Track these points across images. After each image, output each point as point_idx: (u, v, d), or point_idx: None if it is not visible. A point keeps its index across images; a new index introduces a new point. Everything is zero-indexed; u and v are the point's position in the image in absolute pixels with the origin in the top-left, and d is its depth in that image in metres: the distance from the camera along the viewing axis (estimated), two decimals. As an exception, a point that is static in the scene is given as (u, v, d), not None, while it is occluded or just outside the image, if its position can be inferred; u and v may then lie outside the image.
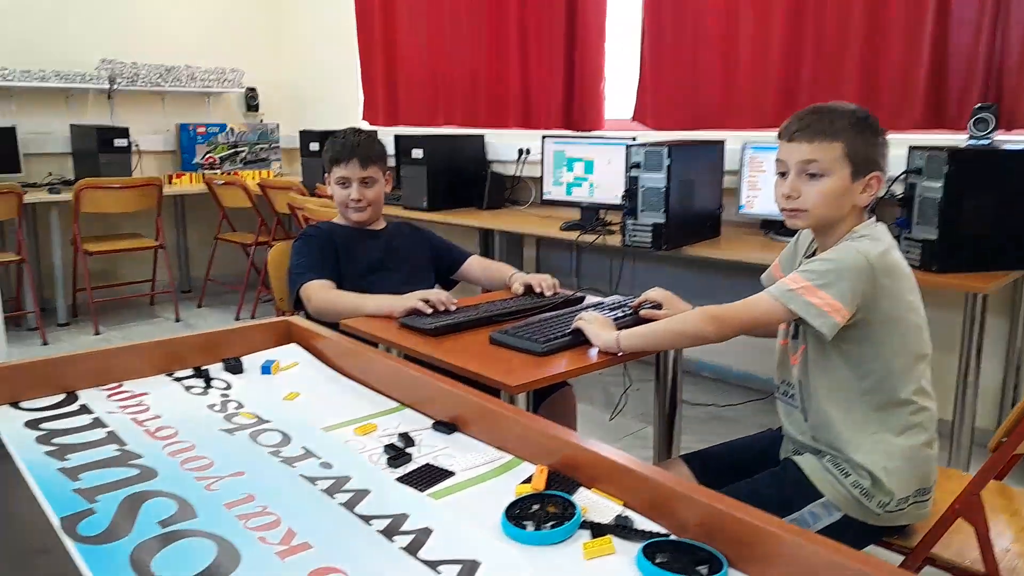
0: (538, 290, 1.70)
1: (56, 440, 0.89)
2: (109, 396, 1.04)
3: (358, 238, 1.82)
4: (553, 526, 0.69)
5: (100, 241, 3.92)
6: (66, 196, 3.67)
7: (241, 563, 0.64)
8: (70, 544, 0.67)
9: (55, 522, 0.71)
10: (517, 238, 3.52)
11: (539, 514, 0.71)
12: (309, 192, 3.67)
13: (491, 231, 3.42)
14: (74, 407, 1.00)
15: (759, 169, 2.61)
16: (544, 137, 3.11)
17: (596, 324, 1.38)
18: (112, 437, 0.90)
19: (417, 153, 3.37)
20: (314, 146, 3.93)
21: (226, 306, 4.35)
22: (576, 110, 3.43)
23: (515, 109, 3.65)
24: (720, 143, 2.66)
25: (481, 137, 3.69)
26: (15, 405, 1.00)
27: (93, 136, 3.93)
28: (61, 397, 1.03)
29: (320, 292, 1.65)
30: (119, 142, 3.96)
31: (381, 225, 1.90)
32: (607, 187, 2.85)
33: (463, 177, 3.52)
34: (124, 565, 0.64)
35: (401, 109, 4.28)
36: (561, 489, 0.76)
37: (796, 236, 1.39)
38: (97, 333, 3.74)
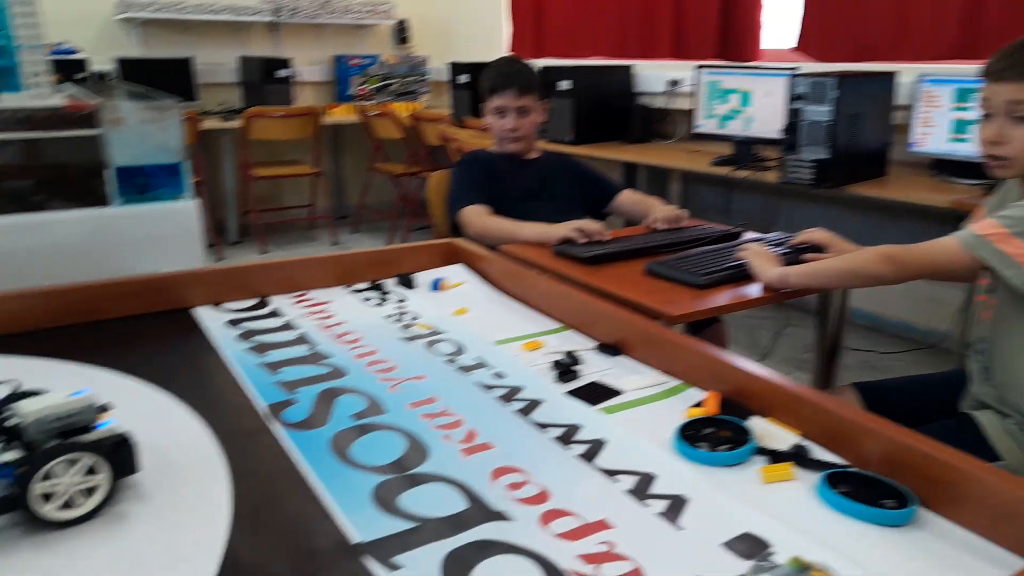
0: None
1: (255, 338, 0.98)
2: (296, 303, 1.12)
3: (513, 167, 1.85)
4: (728, 449, 0.69)
5: (265, 167, 4.18)
6: (236, 123, 3.92)
7: (430, 457, 0.69)
8: (278, 428, 0.74)
9: (262, 409, 0.79)
10: (663, 173, 3.44)
11: (712, 437, 0.72)
12: (458, 124, 3.73)
13: (636, 165, 3.36)
14: (266, 311, 1.09)
15: (933, 104, 2.41)
16: (699, 67, 2.99)
17: (762, 258, 1.34)
18: (303, 339, 0.98)
19: (564, 85, 3.34)
20: (463, 78, 3.97)
21: (378, 232, 4.55)
22: (731, 40, 3.27)
23: (665, 39, 3.53)
24: (891, 75, 2.47)
25: (629, 68, 3.60)
26: (216, 305, 1.10)
27: (259, 67, 4.16)
28: (255, 301, 1.12)
29: (477, 217, 1.70)
30: (282, 73, 4.17)
31: (535, 155, 1.91)
32: (764, 120, 2.73)
33: (610, 110, 3.46)
34: (326, 450, 0.70)
35: (548, 40, 4.23)
36: (734, 415, 0.76)
37: (1000, 184, 1.27)
38: (264, 252, 4.02)
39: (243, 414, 0.78)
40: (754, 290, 1.34)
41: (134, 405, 0.78)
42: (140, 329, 1.01)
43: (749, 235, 1.63)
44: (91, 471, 0.58)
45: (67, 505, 0.58)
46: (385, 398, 0.81)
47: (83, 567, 0.54)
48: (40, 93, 1.19)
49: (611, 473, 0.67)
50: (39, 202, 1.10)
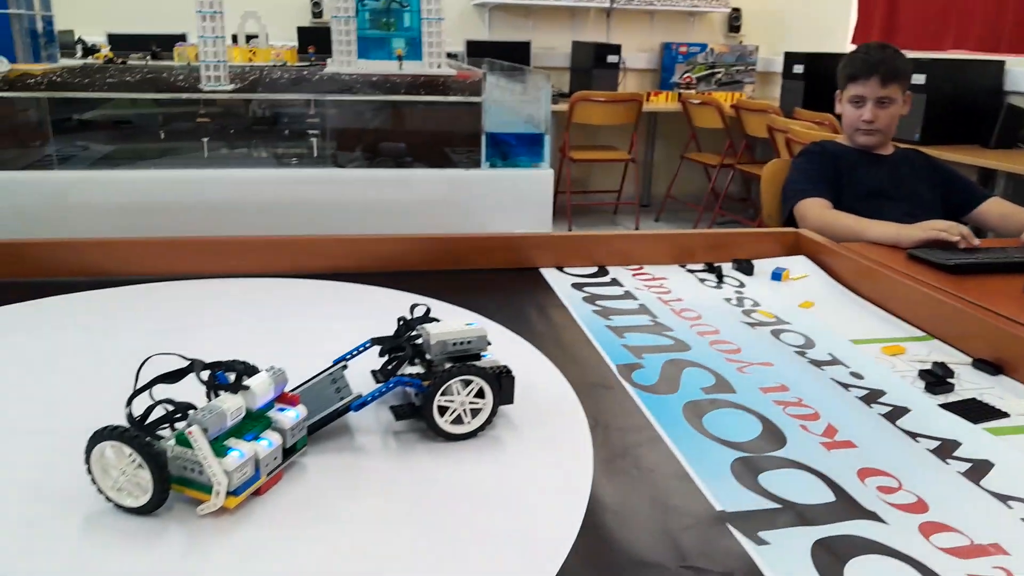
0: None
1: (599, 303, 1.02)
2: (634, 275, 1.14)
3: (861, 162, 1.71)
4: None
5: (583, 150, 4.34)
6: (562, 106, 4.11)
7: (787, 444, 0.66)
8: (628, 387, 0.77)
9: (612, 367, 0.81)
10: (1029, 185, 2.98)
11: None
12: (787, 115, 3.56)
13: (995, 173, 2.94)
14: (606, 279, 1.12)
15: None
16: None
17: None
18: (644, 309, 1.00)
19: (918, 79, 3.02)
20: (797, 68, 3.77)
21: (681, 223, 4.52)
22: None
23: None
24: None
25: (1000, 64, 3.16)
26: (560, 269, 1.16)
27: (590, 52, 4.31)
28: (594, 269, 1.17)
29: (817, 210, 1.60)
30: (611, 58, 4.28)
31: (889, 150, 1.75)
32: None
33: (968, 109, 3.08)
34: (677, 415, 0.71)
35: (901, 30, 3.85)
36: None
37: None
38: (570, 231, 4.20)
39: (595, 369, 0.81)
40: None
41: (497, 346, 0.85)
42: (497, 281, 1.10)
43: None
44: (479, 394, 0.65)
45: (457, 421, 0.65)
46: (733, 378, 0.79)
47: (470, 479, 0.60)
48: (434, 63, 1.36)
49: (1003, 498, 0.59)
50: (423, 159, 1.25)
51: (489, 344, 0.70)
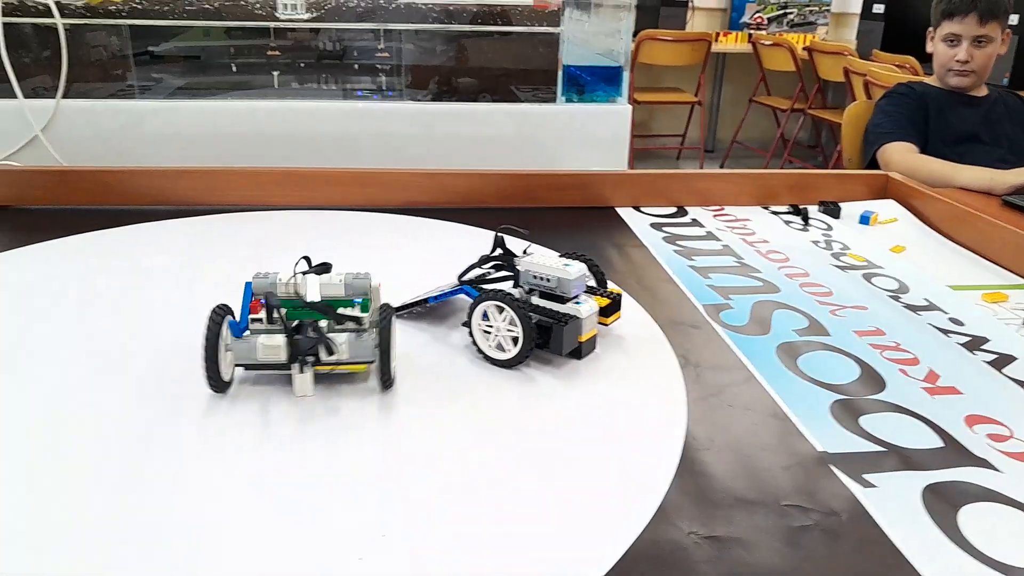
0: None
1: (680, 243, 0.99)
2: (714, 216, 1.11)
3: (952, 104, 1.63)
4: None
5: (647, 92, 4.23)
6: (627, 46, 4.00)
7: (887, 388, 0.64)
8: (717, 327, 0.75)
9: (699, 307, 0.80)
10: None
11: None
12: (864, 58, 3.40)
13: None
14: (686, 219, 1.10)
15: None
16: None
17: None
18: (728, 250, 0.97)
19: (1014, 17, 2.84)
20: (877, 7, 3.58)
21: (748, 170, 4.40)
22: None
23: None
24: None
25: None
26: (637, 209, 1.13)
27: (658, -11, 4.16)
28: (673, 210, 1.14)
29: (903, 154, 1.53)
30: (679, -4, 4.13)
31: (983, 92, 1.66)
32: None
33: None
34: (770, 355, 0.69)
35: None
36: None
37: None
38: (631, 176, 4.12)
39: (681, 308, 0.79)
40: None
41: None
42: (573, 219, 1.08)
43: None
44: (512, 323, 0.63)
45: (499, 348, 0.65)
46: (826, 321, 0.77)
47: (562, 414, 0.59)
48: (512, -7, 1.32)
49: (1124, 453, 0.56)
50: (497, 93, 1.23)
51: (593, 292, 0.69)
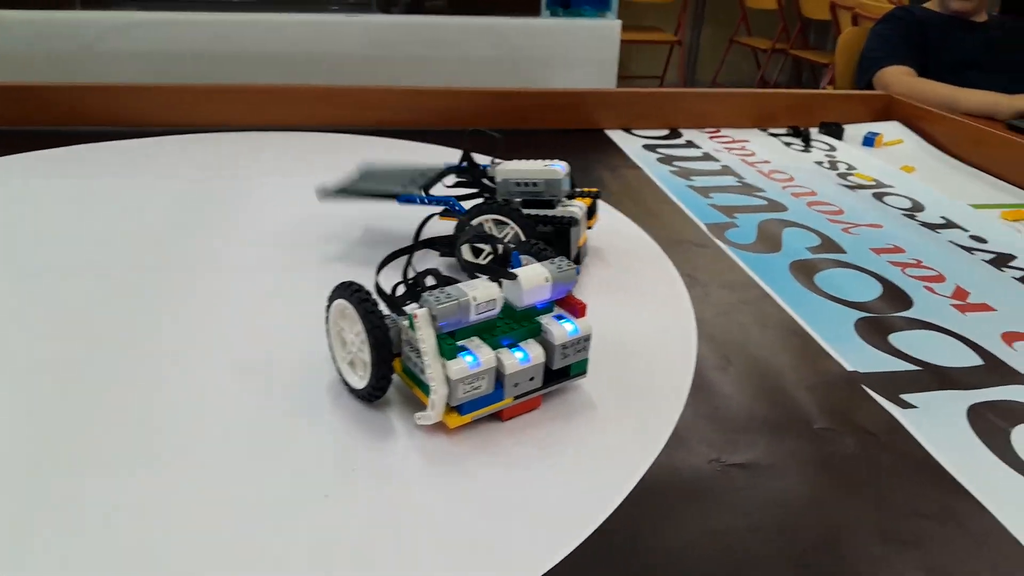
0: None
1: (676, 163, 0.92)
2: (710, 137, 1.04)
3: (951, 28, 1.55)
4: None
5: (625, 31, 4.10)
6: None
7: (915, 305, 0.58)
8: (723, 245, 0.68)
9: (701, 226, 0.73)
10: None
11: None
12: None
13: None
14: (680, 141, 1.02)
15: None
16: None
17: None
18: (728, 170, 0.90)
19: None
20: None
21: (744, 89, 4.31)
22: None
23: None
24: None
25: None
26: (627, 131, 1.06)
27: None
28: (666, 132, 1.06)
29: (900, 78, 1.46)
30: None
31: (983, 17, 1.58)
32: None
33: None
34: (784, 274, 0.63)
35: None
36: None
37: None
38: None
39: (682, 227, 0.73)
40: None
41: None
42: (561, 140, 1.00)
43: None
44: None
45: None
46: (840, 239, 0.71)
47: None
48: None
49: None
50: (475, 6, 1.13)
51: (574, 195, 0.62)
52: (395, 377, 0.42)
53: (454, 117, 1.02)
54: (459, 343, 0.39)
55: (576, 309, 0.43)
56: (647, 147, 0.99)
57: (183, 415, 0.42)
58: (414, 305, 0.41)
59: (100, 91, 0.95)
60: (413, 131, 0.99)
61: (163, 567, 0.32)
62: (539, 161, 0.59)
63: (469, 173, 0.61)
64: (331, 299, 0.43)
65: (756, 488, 0.38)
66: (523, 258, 0.45)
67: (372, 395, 0.42)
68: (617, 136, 1.04)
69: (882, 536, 0.36)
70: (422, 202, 0.61)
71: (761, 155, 0.97)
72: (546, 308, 0.43)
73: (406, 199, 0.61)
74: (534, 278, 0.41)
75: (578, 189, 0.63)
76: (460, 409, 0.40)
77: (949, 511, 0.38)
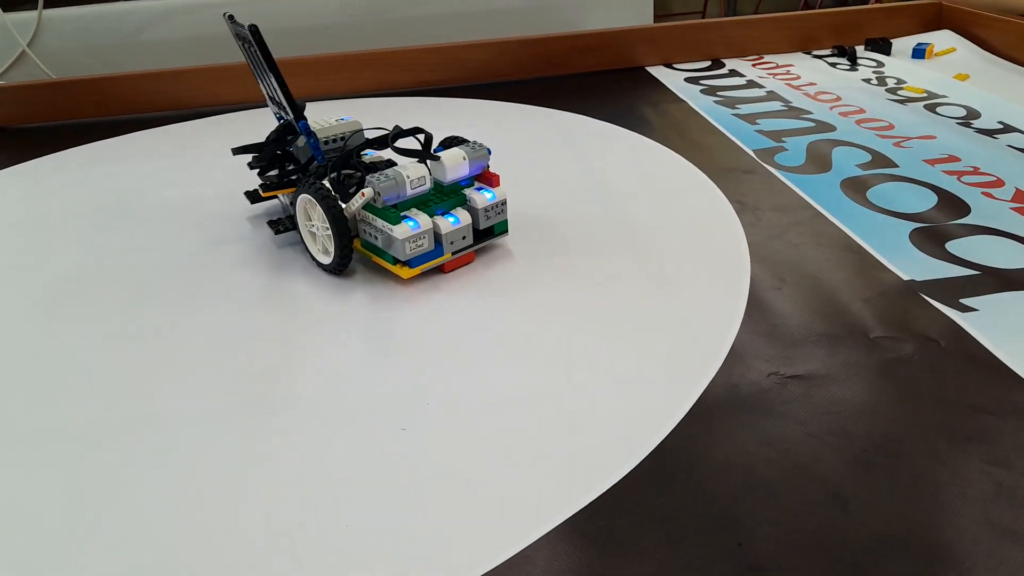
0: None
1: (720, 94, 0.91)
2: (754, 65, 1.02)
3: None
4: None
5: (660, -33, 3.99)
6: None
7: (972, 211, 0.57)
8: (772, 169, 0.68)
9: (749, 152, 0.72)
10: None
11: None
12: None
13: None
14: (724, 71, 1.01)
15: None
16: None
17: None
18: (773, 95, 0.89)
19: None
20: None
21: (784, 12, 4.17)
22: None
23: None
24: None
25: None
26: (668, 66, 1.04)
27: None
28: (708, 63, 1.05)
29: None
30: None
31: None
32: None
33: None
34: (835, 192, 0.62)
35: None
36: None
37: None
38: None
39: (730, 155, 0.72)
40: None
41: (603, 142, 0.77)
42: (601, 82, 0.99)
43: None
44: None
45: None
46: (891, 153, 0.69)
47: (619, 270, 0.53)
48: None
49: None
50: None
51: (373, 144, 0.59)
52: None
53: (495, 70, 1.02)
54: (402, 213, 0.49)
55: (492, 181, 0.53)
56: (689, 80, 0.98)
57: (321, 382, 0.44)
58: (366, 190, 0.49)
59: (145, 78, 0.98)
60: (455, 88, 1.00)
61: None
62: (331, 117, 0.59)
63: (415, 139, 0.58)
64: (295, 197, 0.53)
65: (814, 397, 0.39)
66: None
67: (339, 266, 0.52)
68: (658, 72, 1.02)
69: (944, 433, 0.36)
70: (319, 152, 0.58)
71: (806, 78, 0.95)
72: (468, 184, 0.53)
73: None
74: (454, 157, 0.51)
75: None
76: (410, 263, 0.50)
77: (1010, 404, 0.38)
